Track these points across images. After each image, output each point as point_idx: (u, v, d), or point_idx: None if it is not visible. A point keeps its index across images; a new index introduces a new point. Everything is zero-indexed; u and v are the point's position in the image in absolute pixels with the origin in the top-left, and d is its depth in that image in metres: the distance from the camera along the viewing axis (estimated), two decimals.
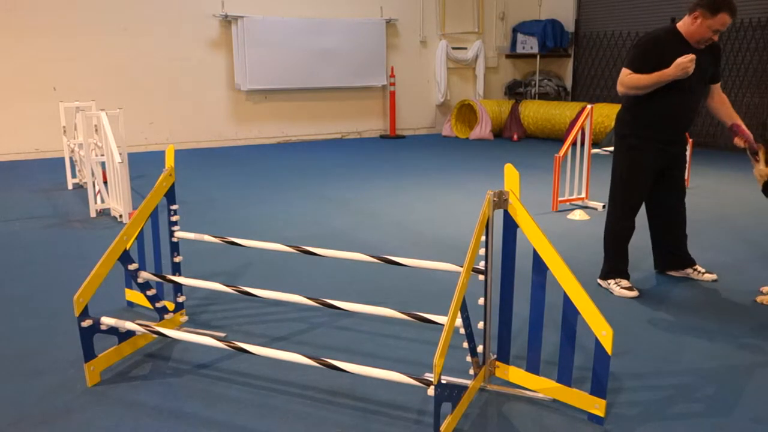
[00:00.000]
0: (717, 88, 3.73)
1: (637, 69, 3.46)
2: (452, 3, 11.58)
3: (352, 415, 2.42)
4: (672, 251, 3.91)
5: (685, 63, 3.31)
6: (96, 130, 6.03)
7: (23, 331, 3.18)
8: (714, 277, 3.86)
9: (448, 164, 8.33)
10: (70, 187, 6.71)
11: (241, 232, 4.94)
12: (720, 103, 3.73)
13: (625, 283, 3.69)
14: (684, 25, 3.49)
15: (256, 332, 3.16)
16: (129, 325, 2.68)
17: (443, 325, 2.31)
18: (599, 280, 3.81)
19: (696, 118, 3.62)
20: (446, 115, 11.78)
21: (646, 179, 3.67)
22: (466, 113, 11.37)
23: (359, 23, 10.56)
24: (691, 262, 3.92)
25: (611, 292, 3.68)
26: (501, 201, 2.44)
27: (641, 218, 3.92)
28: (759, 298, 3.57)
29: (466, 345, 2.46)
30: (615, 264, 3.75)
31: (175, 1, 9.34)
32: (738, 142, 3.58)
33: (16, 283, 3.89)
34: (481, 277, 2.51)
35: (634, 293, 3.63)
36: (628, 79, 3.48)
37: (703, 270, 3.90)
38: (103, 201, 5.60)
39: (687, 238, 3.91)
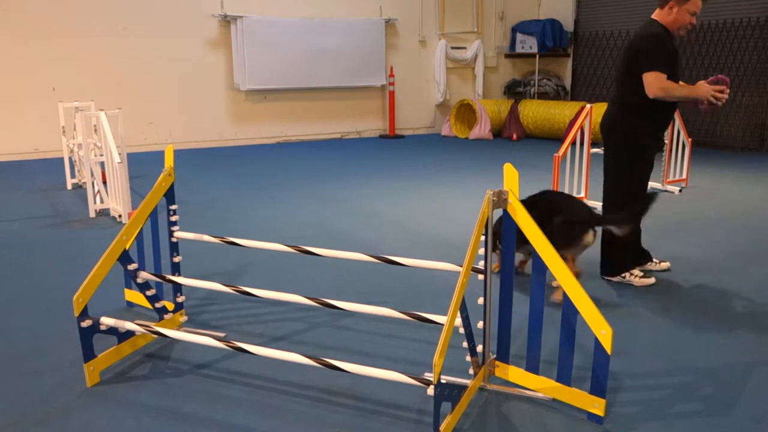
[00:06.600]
0: None
1: (663, 69, 3.48)
2: (451, 3, 11.58)
3: (352, 415, 2.42)
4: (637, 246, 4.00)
5: (716, 93, 3.52)
6: (95, 130, 6.03)
7: (23, 331, 3.18)
8: (667, 265, 4.03)
9: (448, 164, 8.33)
10: (69, 187, 6.71)
11: (240, 232, 4.94)
12: None
13: (638, 272, 3.81)
14: (662, 18, 3.53)
15: (255, 332, 3.16)
16: (128, 325, 2.68)
17: (443, 324, 2.31)
18: (612, 278, 3.86)
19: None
20: (445, 114, 11.78)
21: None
22: (466, 113, 11.37)
23: (358, 23, 10.56)
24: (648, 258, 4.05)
25: (632, 285, 3.77)
26: (500, 200, 2.44)
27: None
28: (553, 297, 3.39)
29: (465, 344, 2.46)
30: (629, 256, 3.82)
31: (175, 1, 9.33)
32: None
33: (15, 283, 3.89)
34: (481, 276, 2.52)
35: (652, 280, 3.78)
36: (668, 85, 3.48)
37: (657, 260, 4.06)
38: (102, 201, 5.60)
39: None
